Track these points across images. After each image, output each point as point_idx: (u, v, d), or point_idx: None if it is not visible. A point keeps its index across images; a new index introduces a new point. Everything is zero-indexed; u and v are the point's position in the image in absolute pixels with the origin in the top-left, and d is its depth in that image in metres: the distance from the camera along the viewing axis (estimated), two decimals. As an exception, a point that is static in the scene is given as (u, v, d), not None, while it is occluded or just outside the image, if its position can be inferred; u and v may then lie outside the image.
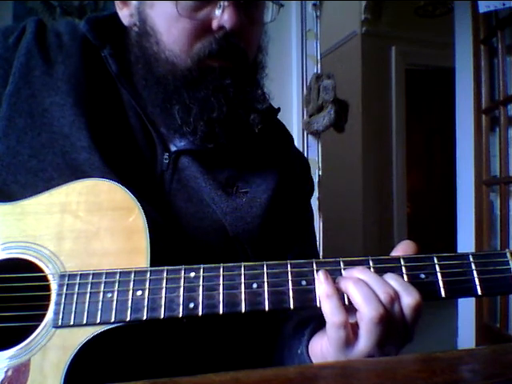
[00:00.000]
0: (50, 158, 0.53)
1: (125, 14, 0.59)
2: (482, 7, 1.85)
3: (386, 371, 0.34)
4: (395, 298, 0.42)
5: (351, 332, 0.42)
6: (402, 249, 0.47)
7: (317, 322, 0.52)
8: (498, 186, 1.96)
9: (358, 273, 0.44)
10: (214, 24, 0.52)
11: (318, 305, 0.43)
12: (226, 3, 0.51)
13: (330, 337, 0.43)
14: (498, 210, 1.96)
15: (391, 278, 0.43)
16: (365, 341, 0.42)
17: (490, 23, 2.03)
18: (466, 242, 2.09)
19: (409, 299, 0.42)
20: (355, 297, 0.42)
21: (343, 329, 0.41)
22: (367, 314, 0.41)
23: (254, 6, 0.56)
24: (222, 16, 0.52)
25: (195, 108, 0.54)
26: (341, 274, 0.45)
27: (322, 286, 0.43)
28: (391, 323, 0.41)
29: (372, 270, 0.45)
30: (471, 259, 0.45)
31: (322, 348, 0.47)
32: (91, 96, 0.56)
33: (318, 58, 2.18)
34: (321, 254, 1.85)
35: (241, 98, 0.56)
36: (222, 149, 0.59)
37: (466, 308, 2.07)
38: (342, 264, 0.45)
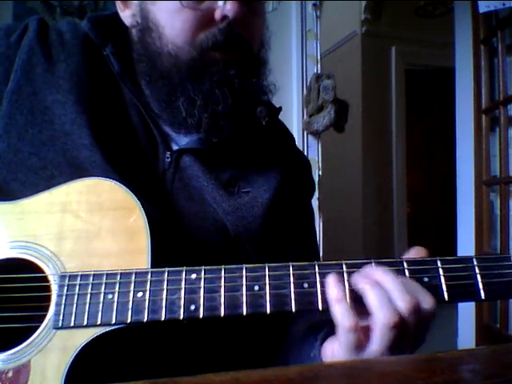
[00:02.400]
0: (51, 155, 0.52)
1: (126, 15, 0.60)
2: (482, 7, 1.85)
3: (386, 371, 0.34)
4: (413, 306, 0.41)
5: (362, 336, 0.42)
6: (413, 255, 0.46)
7: (330, 327, 0.51)
8: (498, 186, 1.96)
9: (379, 275, 0.43)
10: (217, 14, 0.53)
11: (319, 308, 0.43)
12: None
13: (340, 340, 0.43)
14: (498, 210, 1.96)
15: (411, 285, 0.42)
16: (377, 345, 0.41)
17: (490, 23, 2.02)
18: (466, 242, 2.08)
19: (426, 307, 0.41)
20: (371, 300, 0.41)
21: (353, 333, 0.41)
22: (381, 319, 0.40)
23: None
24: (224, 6, 0.52)
25: (199, 100, 0.54)
26: (343, 277, 0.44)
27: (332, 289, 0.42)
28: (405, 329, 0.41)
29: None
30: (475, 263, 0.44)
31: (334, 351, 0.47)
32: (93, 94, 0.56)
33: (318, 58, 2.18)
34: (321, 254, 1.85)
35: (246, 89, 0.56)
36: (224, 147, 0.59)
37: (466, 308, 2.06)
38: (344, 267, 0.45)
